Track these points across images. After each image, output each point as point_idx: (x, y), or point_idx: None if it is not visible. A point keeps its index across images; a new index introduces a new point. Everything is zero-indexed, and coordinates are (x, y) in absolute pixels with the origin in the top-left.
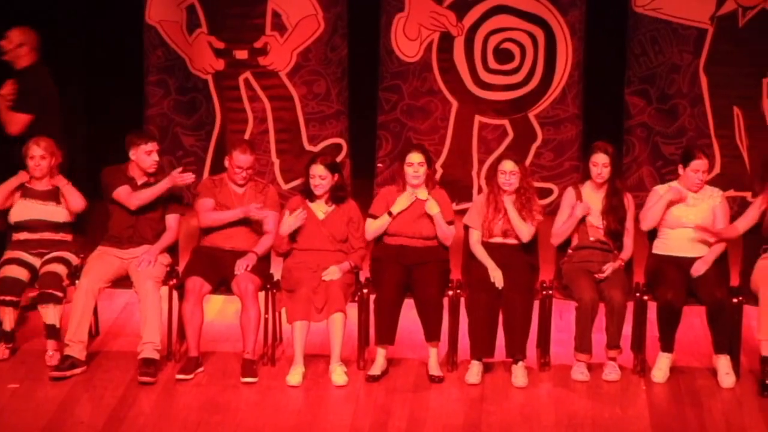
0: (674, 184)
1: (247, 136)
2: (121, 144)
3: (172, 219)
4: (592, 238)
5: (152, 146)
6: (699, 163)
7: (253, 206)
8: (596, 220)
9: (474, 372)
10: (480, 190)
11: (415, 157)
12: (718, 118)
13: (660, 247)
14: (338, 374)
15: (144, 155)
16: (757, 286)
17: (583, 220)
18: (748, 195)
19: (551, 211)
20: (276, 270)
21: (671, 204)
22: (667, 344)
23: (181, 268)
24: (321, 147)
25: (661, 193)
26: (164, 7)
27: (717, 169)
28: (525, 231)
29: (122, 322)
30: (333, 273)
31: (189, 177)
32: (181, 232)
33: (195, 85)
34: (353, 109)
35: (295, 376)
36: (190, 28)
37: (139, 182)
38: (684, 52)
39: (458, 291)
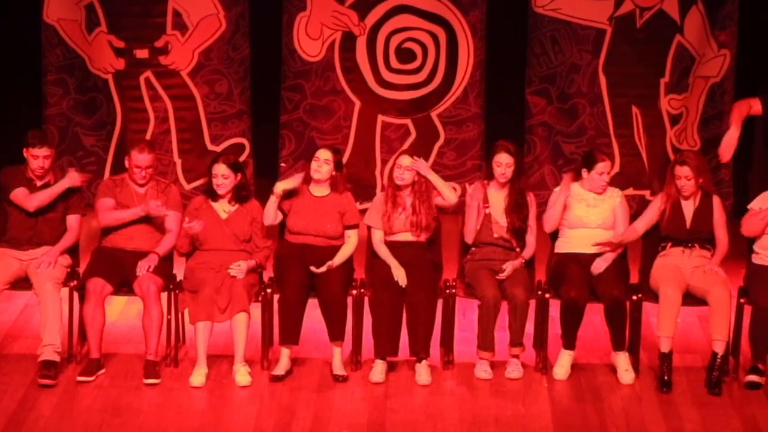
0: (575, 185)
1: (148, 136)
2: (20, 144)
3: (72, 220)
4: (495, 235)
5: (39, 151)
6: (603, 166)
7: (152, 203)
8: (500, 219)
9: (378, 371)
10: (383, 189)
11: (323, 154)
12: (617, 118)
13: (562, 246)
14: (242, 375)
15: (30, 158)
16: (656, 284)
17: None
18: (646, 193)
19: (455, 210)
20: (179, 270)
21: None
22: (569, 342)
23: (81, 269)
24: (223, 147)
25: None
26: (63, 5)
27: (616, 168)
28: (449, 192)
29: (21, 324)
30: (240, 268)
31: (86, 176)
32: (82, 233)
33: (95, 85)
34: (256, 109)
35: (198, 377)
36: (90, 27)
37: (39, 183)
38: (583, 52)
39: (362, 290)
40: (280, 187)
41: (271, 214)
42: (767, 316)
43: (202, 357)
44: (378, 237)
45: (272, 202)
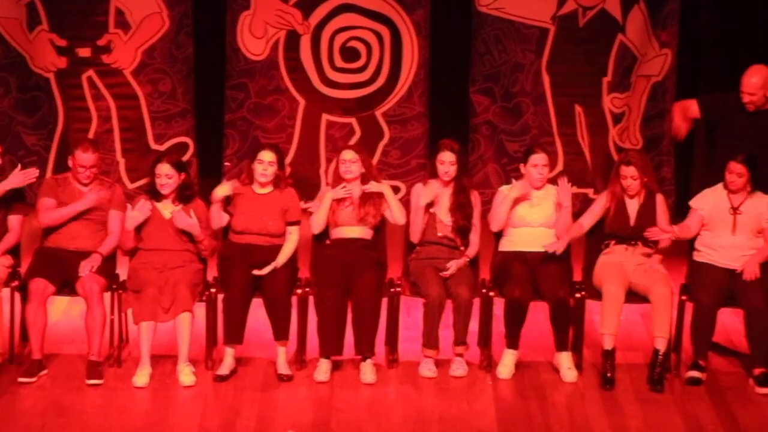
0: (519, 183)
1: (91, 135)
2: None
3: (14, 220)
4: (440, 234)
5: None
6: (537, 157)
7: (91, 195)
8: (444, 218)
9: (322, 370)
10: None
11: (265, 155)
12: (560, 116)
13: (506, 245)
14: (186, 374)
15: None
16: (599, 282)
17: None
18: (590, 191)
19: None
20: (122, 270)
21: (517, 201)
22: (512, 341)
23: (23, 269)
24: (167, 146)
25: (506, 193)
26: (3, 3)
27: (560, 166)
28: (399, 215)
29: None
30: (181, 218)
31: (33, 172)
32: (24, 233)
33: (37, 84)
34: (200, 108)
35: (142, 377)
36: (31, 26)
37: None
38: (527, 51)
39: (306, 289)
40: (220, 193)
41: (217, 219)
42: (708, 313)
43: (145, 357)
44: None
45: (215, 208)
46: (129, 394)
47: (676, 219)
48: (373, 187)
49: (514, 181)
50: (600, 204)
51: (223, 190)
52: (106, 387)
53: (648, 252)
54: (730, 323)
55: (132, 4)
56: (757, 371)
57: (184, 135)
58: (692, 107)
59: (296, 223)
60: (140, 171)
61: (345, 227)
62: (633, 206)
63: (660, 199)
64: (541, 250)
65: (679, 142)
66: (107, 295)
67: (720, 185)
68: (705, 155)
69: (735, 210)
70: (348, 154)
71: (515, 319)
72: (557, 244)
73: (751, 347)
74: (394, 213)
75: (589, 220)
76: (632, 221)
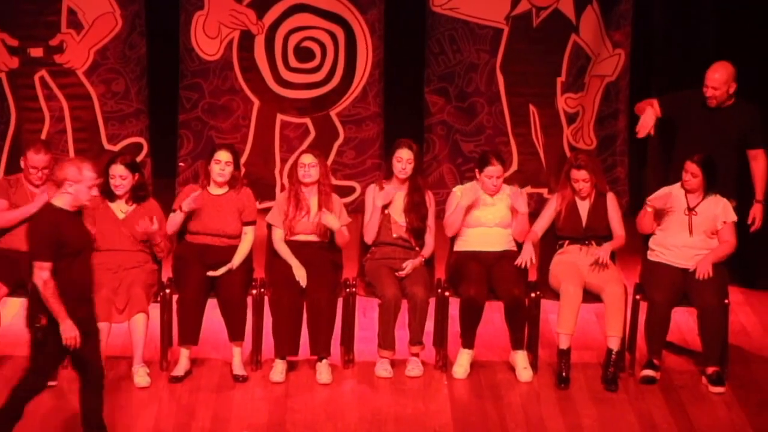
0: (471, 184)
1: (43, 136)
2: None
3: None
4: (395, 235)
5: None
6: (492, 170)
7: (42, 197)
8: (398, 218)
9: (278, 370)
10: (283, 188)
11: (222, 155)
12: (514, 117)
13: (461, 245)
14: (141, 376)
15: None
16: (556, 281)
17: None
18: (544, 191)
19: (355, 209)
20: None
21: (470, 208)
22: (468, 340)
23: None
24: (121, 146)
25: (459, 194)
26: None
27: (514, 167)
28: (341, 240)
29: None
30: (145, 224)
31: None
32: None
33: None
34: (154, 108)
35: None
36: None
37: None
38: (481, 51)
39: (262, 290)
40: (188, 207)
41: (174, 227)
42: (662, 312)
43: None
44: (278, 236)
45: (179, 216)
46: None
47: (630, 219)
48: (326, 220)
49: (466, 183)
50: (551, 208)
51: (189, 204)
52: (60, 389)
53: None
54: (683, 322)
55: (84, 4)
56: (710, 370)
57: (138, 135)
58: (654, 105)
59: (252, 223)
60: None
61: (301, 235)
62: (584, 207)
63: (611, 198)
64: (497, 249)
65: (638, 139)
66: None
67: (678, 184)
68: (659, 155)
69: (690, 210)
70: (307, 158)
71: (471, 319)
72: (525, 256)
73: (703, 346)
74: (337, 240)
75: (542, 225)
76: (584, 222)
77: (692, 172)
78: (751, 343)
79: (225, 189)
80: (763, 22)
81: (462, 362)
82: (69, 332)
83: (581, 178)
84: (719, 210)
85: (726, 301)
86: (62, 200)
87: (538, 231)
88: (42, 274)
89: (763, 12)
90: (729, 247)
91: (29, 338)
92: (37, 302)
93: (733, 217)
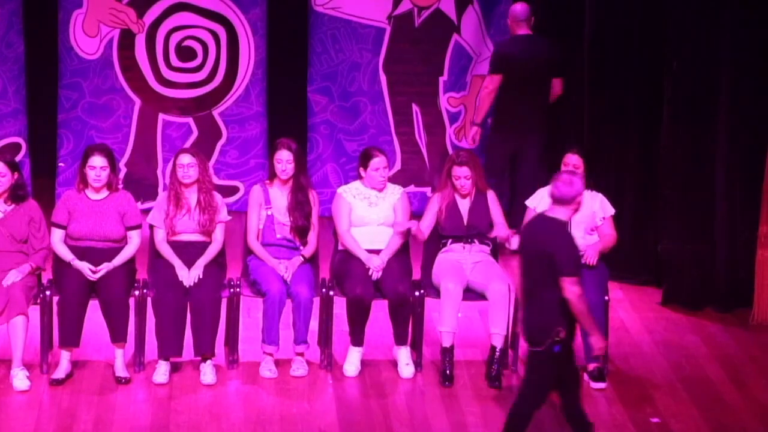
0: (356, 184)
1: None
2: None
3: None
4: (279, 236)
5: None
6: (378, 161)
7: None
8: (282, 218)
9: (161, 371)
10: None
11: (96, 161)
12: (397, 116)
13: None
14: (20, 379)
15: None
16: (438, 279)
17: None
18: (427, 190)
19: (238, 208)
20: None
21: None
22: (357, 338)
23: None
24: None
25: (344, 195)
26: None
27: (398, 166)
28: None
29: None
30: (12, 277)
31: None
32: None
33: None
34: (32, 108)
35: None
36: None
37: None
38: (363, 51)
39: (144, 291)
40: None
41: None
42: None
43: None
44: (160, 236)
45: (76, 263)
46: None
47: (508, 218)
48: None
49: (351, 182)
50: (433, 207)
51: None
52: None
53: (485, 249)
54: None
55: None
56: (591, 367)
57: (16, 135)
58: None
59: (137, 227)
60: None
61: (183, 234)
62: (465, 206)
63: (491, 195)
64: (382, 248)
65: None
66: None
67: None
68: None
69: None
70: (185, 158)
71: (358, 317)
72: (385, 252)
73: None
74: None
75: (426, 224)
76: (465, 220)
77: (574, 164)
78: (630, 339)
79: (104, 193)
80: None
81: (353, 360)
82: None
83: (463, 174)
84: (597, 206)
85: (606, 297)
86: None
87: (425, 230)
88: None
89: None
90: (611, 239)
91: None
92: None
93: (611, 211)
